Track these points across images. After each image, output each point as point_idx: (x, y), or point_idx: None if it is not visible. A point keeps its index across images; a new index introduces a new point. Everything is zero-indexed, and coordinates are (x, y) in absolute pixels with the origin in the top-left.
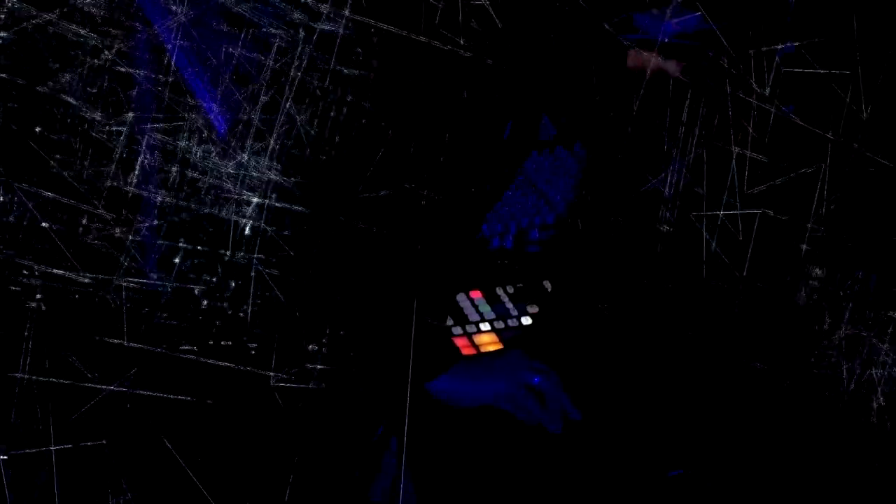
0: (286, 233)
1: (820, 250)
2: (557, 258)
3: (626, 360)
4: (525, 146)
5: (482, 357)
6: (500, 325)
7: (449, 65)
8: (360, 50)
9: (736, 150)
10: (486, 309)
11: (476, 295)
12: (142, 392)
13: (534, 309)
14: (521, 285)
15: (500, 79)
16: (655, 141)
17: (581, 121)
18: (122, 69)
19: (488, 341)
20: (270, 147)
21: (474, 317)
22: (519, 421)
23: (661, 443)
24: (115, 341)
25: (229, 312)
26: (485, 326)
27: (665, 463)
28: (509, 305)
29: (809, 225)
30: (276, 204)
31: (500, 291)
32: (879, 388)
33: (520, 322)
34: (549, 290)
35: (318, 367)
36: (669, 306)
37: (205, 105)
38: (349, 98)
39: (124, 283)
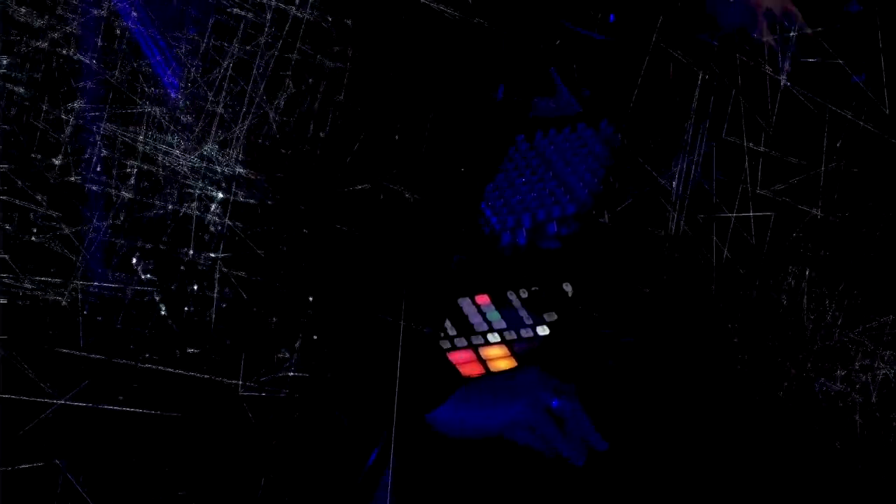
0: (256, 230)
1: (826, 250)
2: (579, 257)
3: (655, 378)
4: (520, 111)
5: (490, 379)
6: (511, 335)
7: (435, 31)
8: (331, 20)
9: (749, 144)
10: (494, 317)
11: (483, 300)
12: (98, 406)
13: (552, 317)
14: (536, 289)
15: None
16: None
17: (608, 93)
18: (71, 52)
19: (498, 355)
20: (236, 137)
21: (481, 326)
22: (534, 451)
23: (697, 476)
24: (68, 350)
25: (193, 318)
26: (493, 338)
27: (703, 499)
28: (522, 313)
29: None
30: (243, 199)
31: (511, 296)
32: (874, 393)
33: (535, 332)
34: (570, 294)
35: (291, 374)
36: (683, 316)
37: (155, 66)
38: (323, 81)
39: (78, 287)
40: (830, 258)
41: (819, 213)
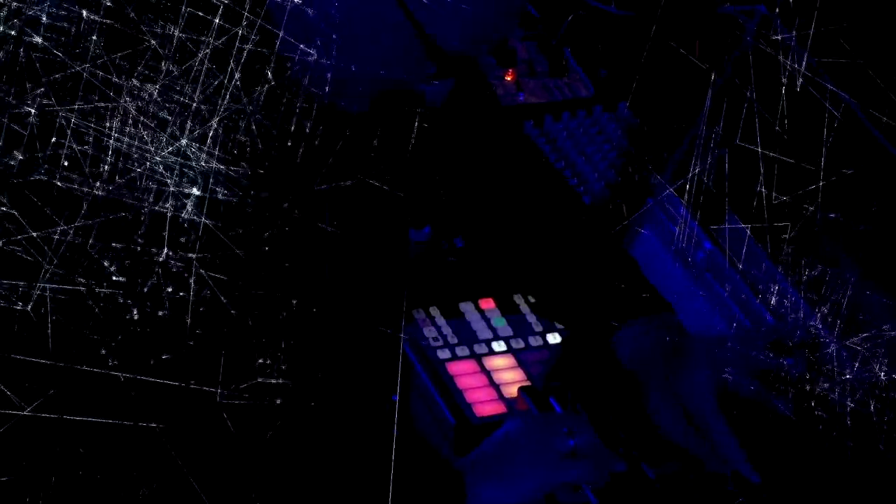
0: (235, 229)
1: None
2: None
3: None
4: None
5: (493, 447)
6: (518, 343)
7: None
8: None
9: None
10: (500, 323)
11: (487, 305)
12: (66, 417)
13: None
14: None
15: None
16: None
17: (627, 74)
18: (33, 39)
19: (503, 365)
20: (214, 132)
21: (485, 333)
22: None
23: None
24: (34, 358)
25: (168, 322)
26: (499, 346)
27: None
28: (531, 318)
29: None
30: (221, 197)
31: (518, 300)
32: (872, 403)
33: (545, 340)
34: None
35: (273, 381)
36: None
37: None
38: (306, 73)
39: (46, 291)
40: (833, 263)
41: (819, 216)
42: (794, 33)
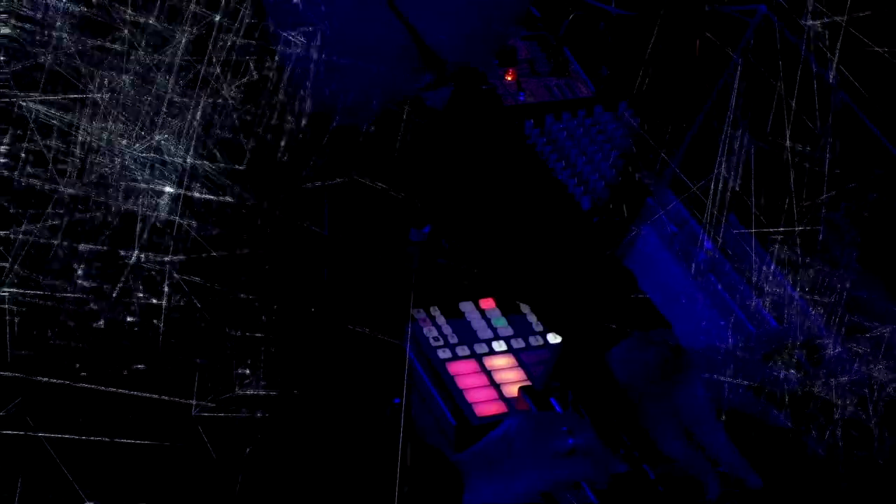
0: (212, 230)
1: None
2: (595, 256)
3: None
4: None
5: (490, 447)
6: (518, 343)
7: None
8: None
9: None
10: (500, 323)
11: (488, 305)
12: (29, 432)
13: None
14: None
15: None
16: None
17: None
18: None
19: (503, 365)
20: (191, 126)
21: (485, 333)
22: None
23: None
24: None
25: (140, 330)
26: (499, 346)
27: None
28: (532, 318)
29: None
30: (198, 195)
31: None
32: (871, 409)
33: (545, 340)
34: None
35: (252, 393)
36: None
37: None
38: (289, 64)
39: (7, 296)
40: (833, 263)
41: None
42: (808, 24)
